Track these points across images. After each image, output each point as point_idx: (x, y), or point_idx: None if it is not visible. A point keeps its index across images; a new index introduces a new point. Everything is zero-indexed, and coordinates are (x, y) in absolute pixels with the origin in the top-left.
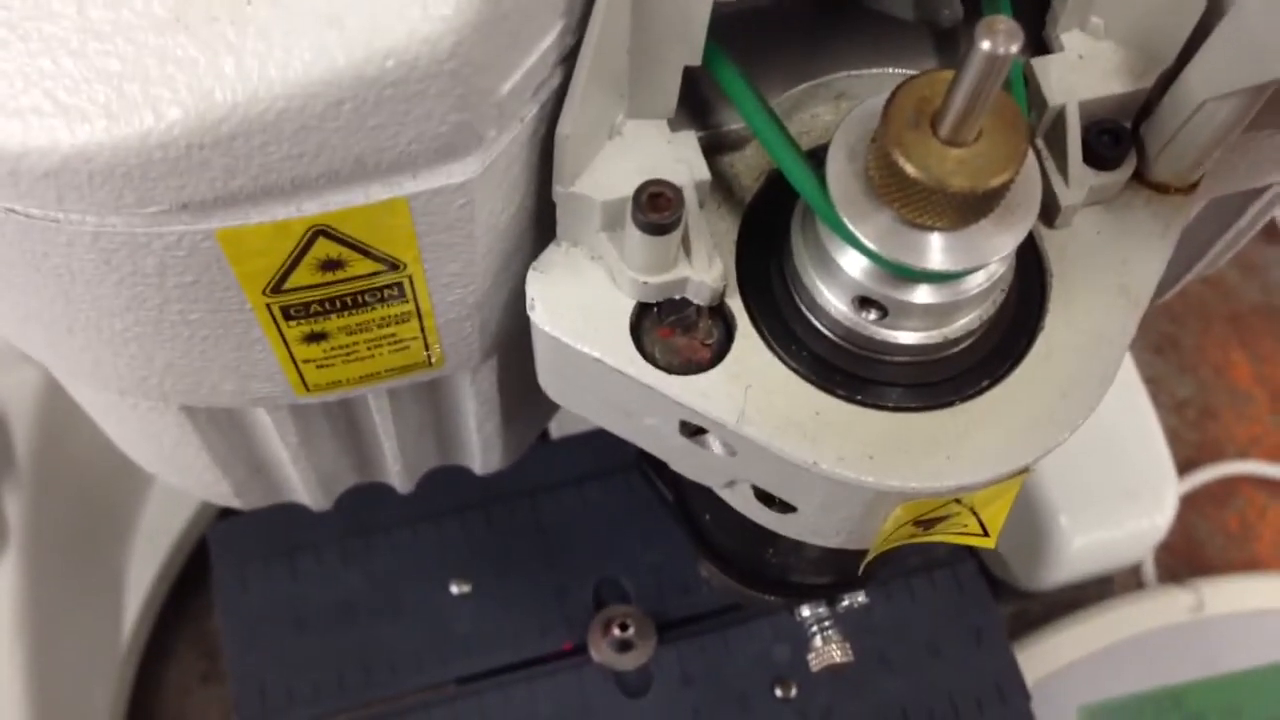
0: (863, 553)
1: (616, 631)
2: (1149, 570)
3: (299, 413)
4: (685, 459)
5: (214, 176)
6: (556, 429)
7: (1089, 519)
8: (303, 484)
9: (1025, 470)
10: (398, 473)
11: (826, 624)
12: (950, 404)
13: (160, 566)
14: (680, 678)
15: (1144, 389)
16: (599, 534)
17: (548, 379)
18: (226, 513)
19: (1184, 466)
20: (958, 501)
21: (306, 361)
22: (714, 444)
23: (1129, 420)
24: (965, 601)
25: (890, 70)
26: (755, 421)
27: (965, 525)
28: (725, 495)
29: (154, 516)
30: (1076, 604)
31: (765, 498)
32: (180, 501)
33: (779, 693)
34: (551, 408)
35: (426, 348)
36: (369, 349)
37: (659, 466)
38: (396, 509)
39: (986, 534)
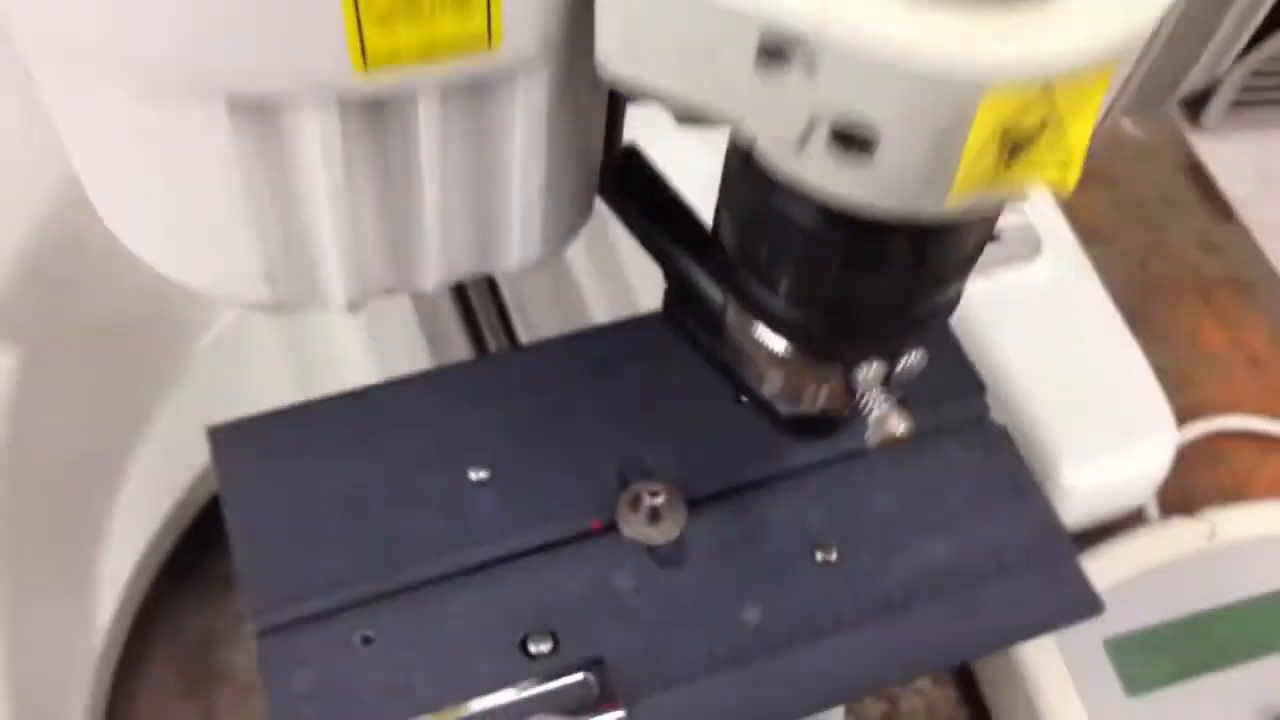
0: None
1: (646, 498)
2: (1153, 516)
3: (347, 136)
4: (760, 106)
5: None
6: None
7: (1090, 462)
8: (339, 264)
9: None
10: (433, 262)
11: (883, 396)
12: None
13: (135, 566)
14: (717, 546)
15: (1131, 337)
16: (620, 418)
17: (610, 41)
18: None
19: None
20: (1044, 119)
21: (369, 8)
22: (793, 71)
23: (1121, 366)
24: (998, 460)
25: None
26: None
27: (1049, 156)
28: (797, 169)
29: (129, 515)
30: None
31: (843, 141)
32: (156, 498)
33: (819, 556)
34: (592, 187)
35: (488, 10)
36: (431, 5)
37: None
38: (408, 400)
39: (1068, 168)
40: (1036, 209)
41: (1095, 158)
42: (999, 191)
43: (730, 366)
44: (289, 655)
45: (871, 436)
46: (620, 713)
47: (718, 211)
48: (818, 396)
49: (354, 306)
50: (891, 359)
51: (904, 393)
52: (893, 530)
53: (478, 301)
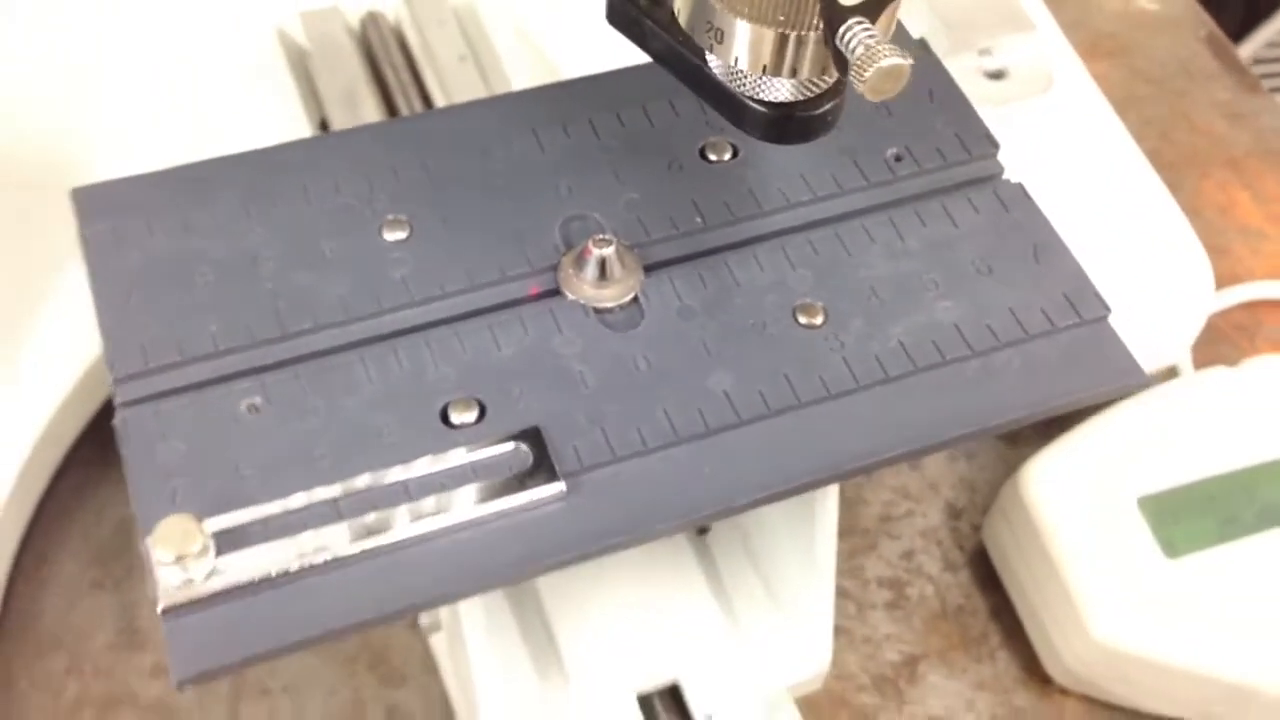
0: None
1: (594, 250)
2: (1189, 374)
3: None
4: None
5: None
6: None
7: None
8: None
9: None
10: None
11: (867, 29)
12: None
13: (32, 447)
14: (677, 311)
15: (1157, 177)
16: (567, 175)
17: None
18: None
19: None
20: None
21: None
22: None
23: (1149, 208)
24: (1015, 219)
25: None
26: None
27: None
28: None
29: (23, 393)
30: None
31: None
32: (57, 377)
33: (803, 320)
34: None
35: None
36: None
37: None
38: (312, 159)
39: None
40: (1047, 46)
41: (1111, 31)
42: None
43: (683, 53)
44: (155, 426)
45: (860, 77)
46: (560, 485)
47: None
48: (790, 59)
49: None
50: None
51: (903, 149)
52: (890, 292)
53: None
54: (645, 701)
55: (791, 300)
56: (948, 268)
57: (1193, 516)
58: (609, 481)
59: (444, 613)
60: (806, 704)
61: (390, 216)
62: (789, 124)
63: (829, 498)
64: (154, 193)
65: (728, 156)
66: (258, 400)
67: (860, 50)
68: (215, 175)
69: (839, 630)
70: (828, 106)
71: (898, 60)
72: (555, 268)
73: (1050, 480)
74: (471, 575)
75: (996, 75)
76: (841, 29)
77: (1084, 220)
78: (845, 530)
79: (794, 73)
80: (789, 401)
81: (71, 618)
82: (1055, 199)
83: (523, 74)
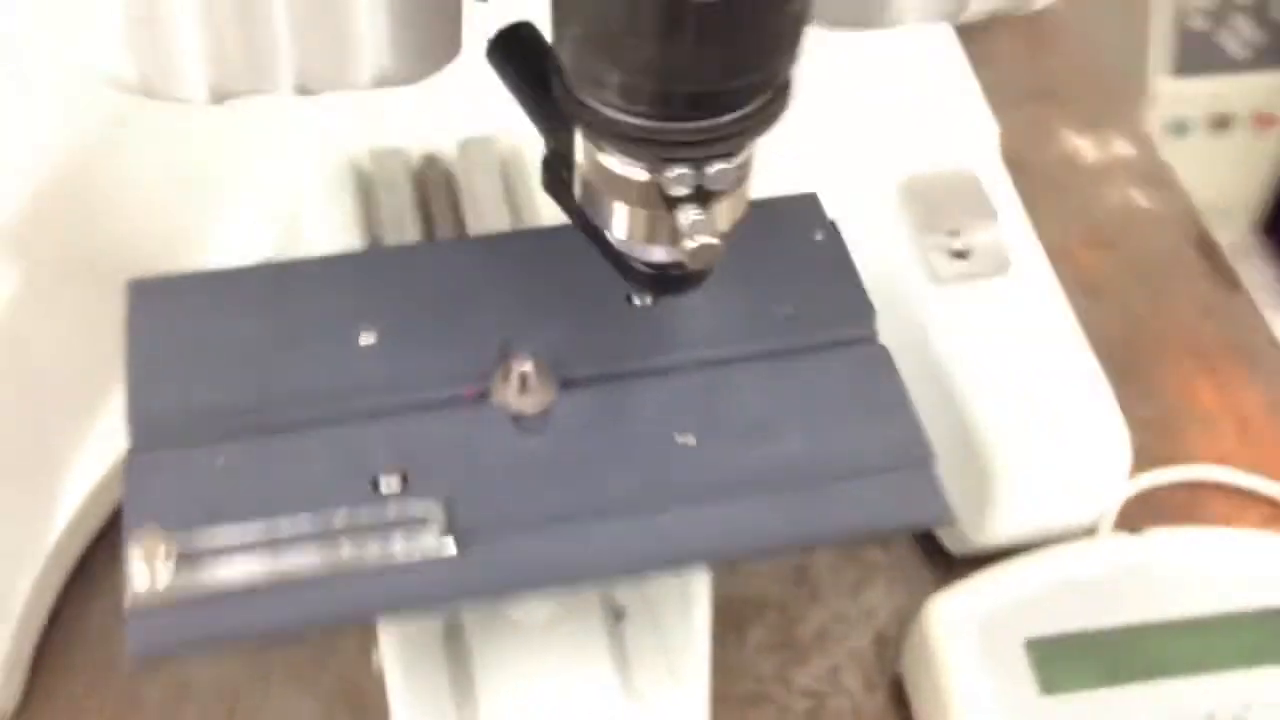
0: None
1: (516, 367)
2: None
3: None
4: None
5: None
6: None
7: (1037, 475)
8: (198, 47)
9: None
10: (286, 66)
11: (697, 210)
12: None
13: (100, 481)
14: (579, 423)
15: (1093, 356)
16: (513, 308)
17: None
18: None
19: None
20: None
21: None
22: None
23: (1081, 384)
24: (874, 376)
25: None
26: None
27: None
28: None
29: (103, 438)
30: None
31: None
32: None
33: (679, 439)
34: (455, 22)
35: None
36: None
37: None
38: (319, 273)
39: None
40: (1009, 233)
41: (1108, 223)
42: None
43: (591, 221)
44: (150, 467)
45: (688, 248)
46: (451, 544)
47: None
48: (658, 232)
49: (216, 98)
50: (698, 167)
51: (795, 309)
52: (754, 425)
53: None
54: None
55: (673, 424)
56: (807, 410)
57: (1074, 660)
58: (493, 547)
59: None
60: None
61: (368, 323)
62: (666, 280)
63: (702, 599)
64: (192, 287)
65: (649, 301)
66: (226, 459)
67: (685, 229)
68: (244, 277)
69: None
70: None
71: (705, 240)
72: (490, 377)
73: (949, 618)
74: (360, 607)
75: (960, 254)
76: (676, 211)
77: (1018, 389)
78: (782, 643)
79: (665, 241)
80: (657, 502)
81: None
82: (996, 370)
83: (549, 216)
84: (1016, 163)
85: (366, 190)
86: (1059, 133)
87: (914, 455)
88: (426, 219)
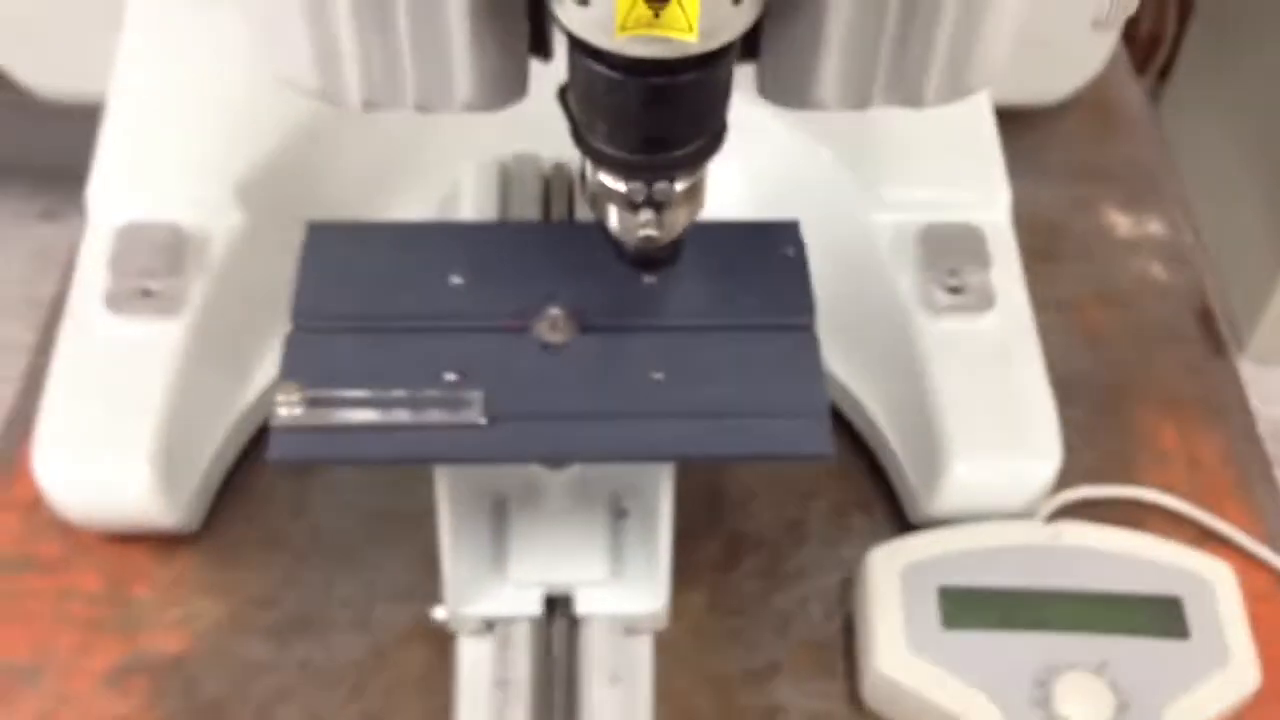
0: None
1: (550, 312)
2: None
3: None
4: None
5: None
6: None
7: (980, 456)
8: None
9: None
10: (409, 85)
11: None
12: None
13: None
14: (588, 356)
15: (1048, 388)
16: (563, 274)
17: None
18: None
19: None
20: None
21: None
22: None
23: (1032, 407)
24: (802, 349)
25: None
26: None
27: (680, 18)
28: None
29: None
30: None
31: None
32: None
33: (654, 375)
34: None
35: None
36: None
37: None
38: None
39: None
40: (1000, 276)
41: (1120, 288)
42: (656, 34)
43: (602, 222)
44: (300, 344)
45: (640, 236)
46: (481, 417)
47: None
48: (628, 227)
49: (367, 108)
50: (650, 183)
51: (756, 299)
52: (706, 373)
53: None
54: (549, 600)
55: (652, 364)
56: (745, 368)
57: (974, 607)
58: (513, 426)
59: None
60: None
61: (461, 270)
62: (644, 258)
63: (666, 494)
64: (352, 232)
65: (653, 279)
66: (353, 347)
67: (639, 224)
68: (391, 231)
69: (730, 631)
70: (666, 249)
71: (650, 233)
72: (532, 316)
73: (882, 565)
74: (420, 452)
75: (955, 290)
76: (637, 214)
77: (976, 401)
78: (768, 574)
79: (632, 233)
80: (630, 414)
81: None
82: (962, 384)
83: None
84: (1058, 229)
85: (505, 184)
86: (1100, 207)
87: (814, 408)
88: (545, 209)
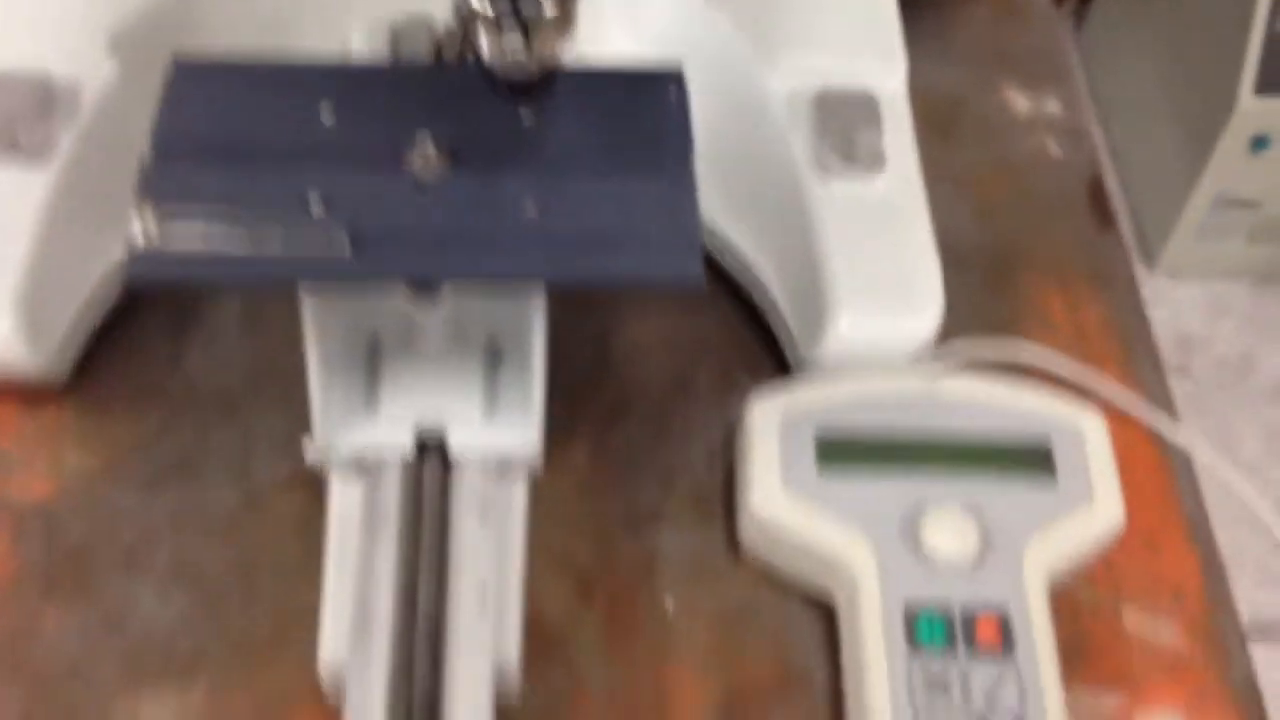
0: None
1: (423, 146)
2: None
3: None
4: None
5: None
6: None
7: (862, 307)
8: None
9: None
10: None
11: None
12: None
13: None
14: (460, 192)
15: (933, 246)
16: (440, 109)
17: None
18: None
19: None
20: None
21: None
22: None
23: (916, 262)
24: (675, 195)
25: None
26: None
27: None
28: None
29: None
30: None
31: None
32: None
33: (528, 210)
34: None
35: None
36: None
37: None
38: (320, 70)
39: None
40: (891, 140)
41: (1015, 162)
42: None
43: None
44: (160, 173)
45: (506, 61)
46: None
47: None
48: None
49: None
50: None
51: (637, 141)
52: (578, 207)
53: None
54: (421, 444)
55: (525, 198)
56: (620, 206)
57: (848, 450)
58: (378, 252)
59: None
60: None
61: (331, 109)
62: (517, 86)
63: (539, 331)
64: (221, 69)
65: (532, 121)
66: (217, 175)
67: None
68: (264, 69)
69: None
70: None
71: (517, 59)
72: (404, 150)
73: (761, 412)
74: (281, 273)
75: (847, 155)
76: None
77: (865, 249)
78: (656, 429)
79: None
80: (501, 242)
81: None
82: (855, 234)
83: None
84: (958, 107)
85: (396, 47)
86: (1000, 86)
87: (686, 238)
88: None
